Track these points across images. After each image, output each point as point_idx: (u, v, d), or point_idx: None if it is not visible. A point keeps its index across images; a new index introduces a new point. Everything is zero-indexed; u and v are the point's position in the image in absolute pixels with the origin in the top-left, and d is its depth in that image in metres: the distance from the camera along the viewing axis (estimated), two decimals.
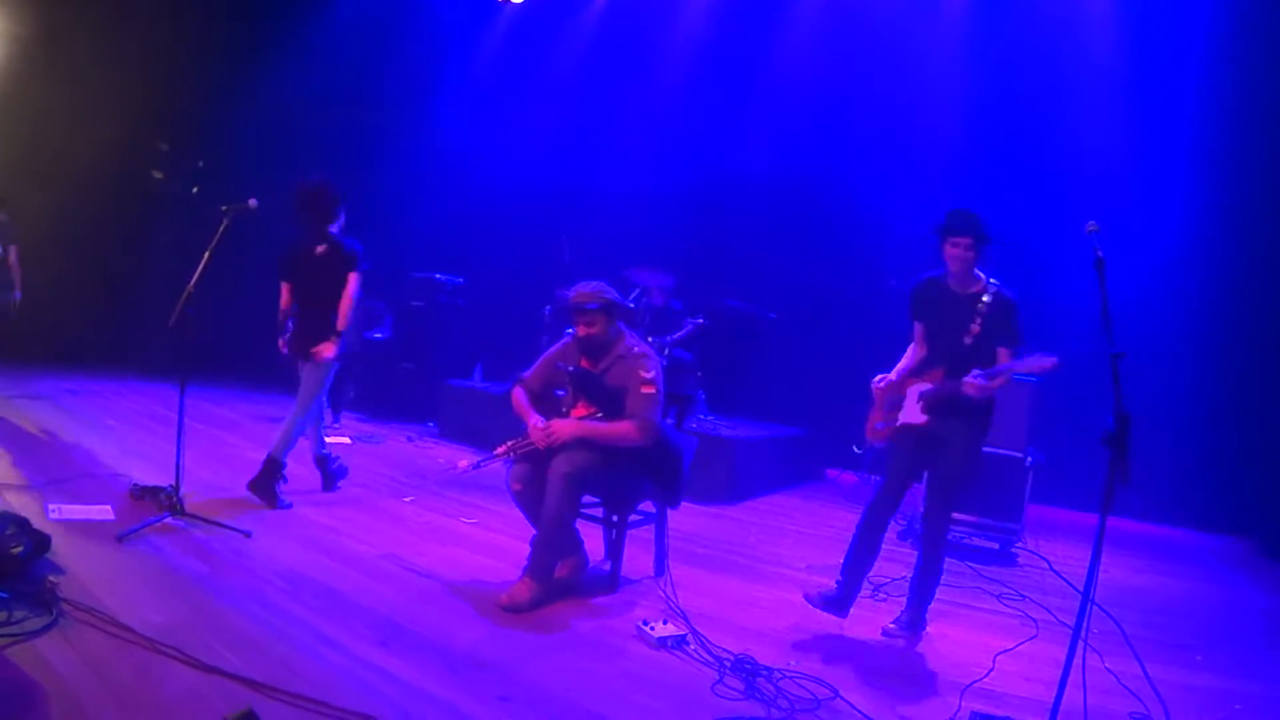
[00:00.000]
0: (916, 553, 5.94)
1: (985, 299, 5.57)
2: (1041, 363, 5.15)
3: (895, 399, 5.89)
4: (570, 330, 6.46)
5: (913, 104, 11.72)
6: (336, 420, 11.88)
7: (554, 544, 5.88)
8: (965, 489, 6.04)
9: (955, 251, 5.59)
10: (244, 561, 6.02)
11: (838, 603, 5.86)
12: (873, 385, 5.99)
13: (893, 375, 5.97)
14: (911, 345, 6.11)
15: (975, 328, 5.54)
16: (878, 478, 6.15)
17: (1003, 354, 5.53)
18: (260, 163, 13.80)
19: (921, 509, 6.31)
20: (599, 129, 14.06)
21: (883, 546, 5.94)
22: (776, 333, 11.91)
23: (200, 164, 15.62)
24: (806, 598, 5.98)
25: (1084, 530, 9.18)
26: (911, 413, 5.77)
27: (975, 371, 5.32)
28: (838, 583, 5.91)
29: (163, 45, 14.17)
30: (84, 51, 13.39)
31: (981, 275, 5.69)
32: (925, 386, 5.72)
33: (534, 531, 6.01)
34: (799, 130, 12.27)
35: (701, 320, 10.88)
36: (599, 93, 14.17)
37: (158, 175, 15.62)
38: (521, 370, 6.54)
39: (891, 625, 5.84)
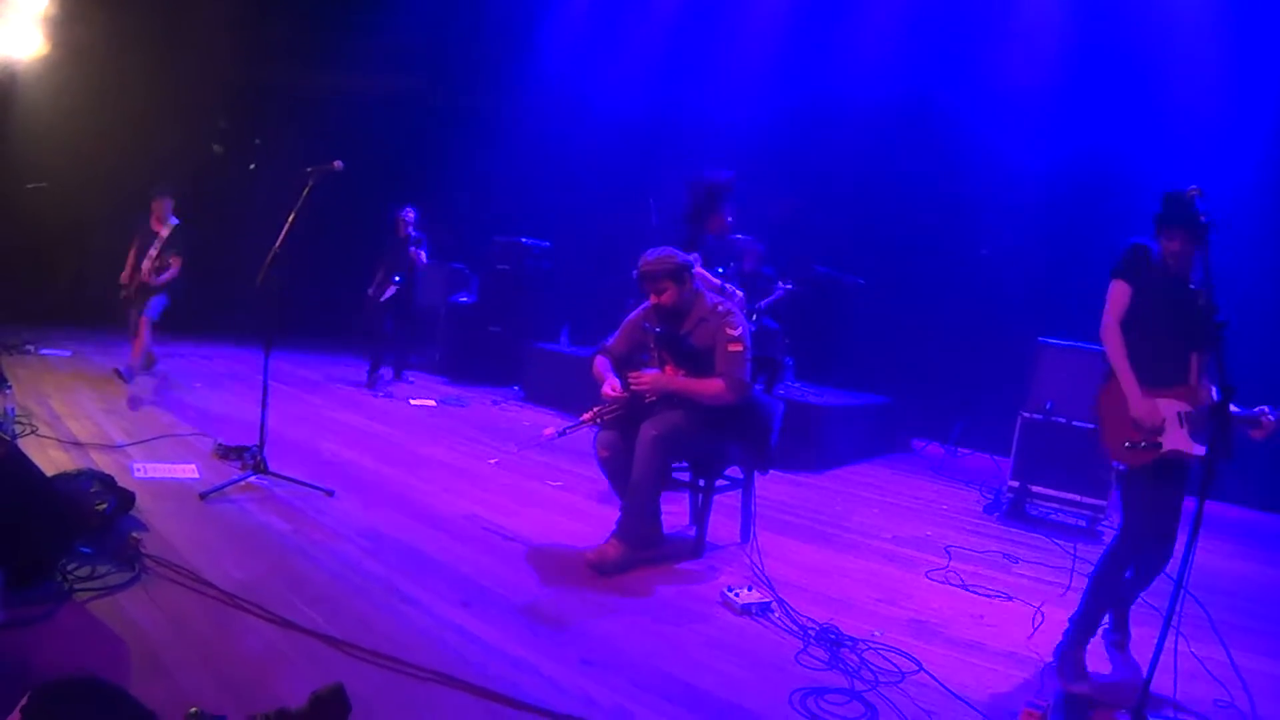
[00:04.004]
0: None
1: (1202, 300, 4.51)
2: None
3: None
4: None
5: (1008, 65, 11.43)
6: (398, 381, 11.97)
7: (642, 507, 5.81)
8: None
9: (1171, 247, 4.77)
10: (326, 520, 6.04)
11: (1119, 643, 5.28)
12: (1147, 419, 4.72)
13: (1148, 401, 4.75)
14: (1112, 322, 4.91)
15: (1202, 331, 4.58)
16: (1119, 518, 5.28)
17: (1196, 361, 4.75)
18: (340, 131, 13.87)
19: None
20: (686, 92, 13.94)
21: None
22: (865, 300, 11.72)
23: (257, 141, 15.71)
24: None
25: None
26: (1179, 438, 4.70)
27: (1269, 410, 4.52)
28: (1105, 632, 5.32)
29: (230, 13, 14.28)
30: (148, 27, 13.52)
31: None
32: (1182, 406, 4.73)
33: (620, 499, 5.97)
34: (890, 92, 12.02)
35: (790, 286, 10.76)
36: (686, 53, 14.06)
37: (217, 149, 15.74)
38: (605, 337, 6.47)
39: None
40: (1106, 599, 4.95)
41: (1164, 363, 4.83)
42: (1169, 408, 4.74)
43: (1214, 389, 4.61)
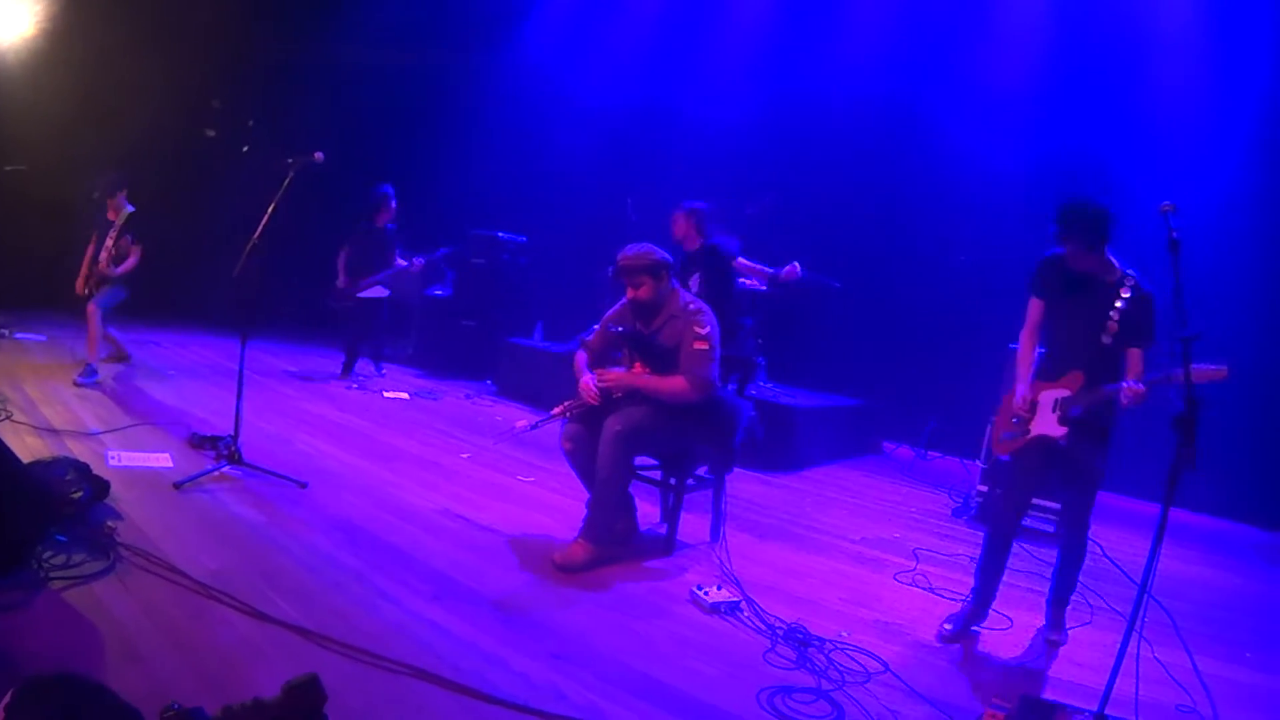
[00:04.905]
0: (1055, 560, 5.57)
1: (1123, 292, 4.99)
2: (1211, 373, 4.40)
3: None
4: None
5: (987, 68, 11.46)
6: (380, 372, 11.92)
7: (607, 504, 5.85)
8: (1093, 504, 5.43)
9: (1071, 252, 5.10)
10: (299, 512, 6.07)
11: (970, 617, 5.43)
12: (1018, 407, 5.32)
13: (1026, 390, 5.31)
14: (1024, 332, 5.51)
15: (1113, 325, 4.98)
16: (998, 490, 5.62)
17: (1134, 356, 4.99)
18: (318, 118, 13.88)
19: (1056, 528, 6.05)
20: (667, 90, 13.90)
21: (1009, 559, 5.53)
22: (840, 302, 11.76)
23: (251, 123, 15.65)
24: (944, 638, 5.32)
25: (1137, 517, 9.01)
26: (1047, 423, 5.20)
27: (1132, 380, 4.80)
28: (966, 602, 5.54)
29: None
30: (138, 7, 13.47)
31: (1114, 261, 5.09)
32: (1062, 393, 5.14)
33: (587, 492, 6.01)
34: (869, 93, 12.02)
35: (764, 287, 10.79)
36: (668, 51, 14.00)
37: (210, 133, 15.69)
38: (582, 332, 6.53)
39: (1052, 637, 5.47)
40: (984, 574, 5.43)
41: (1059, 356, 5.29)
42: (1049, 396, 5.20)
43: (1179, 401, 4.73)
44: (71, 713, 2.83)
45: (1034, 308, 5.46)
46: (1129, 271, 5.05)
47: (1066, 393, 5.11)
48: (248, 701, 3.04)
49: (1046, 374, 5.31)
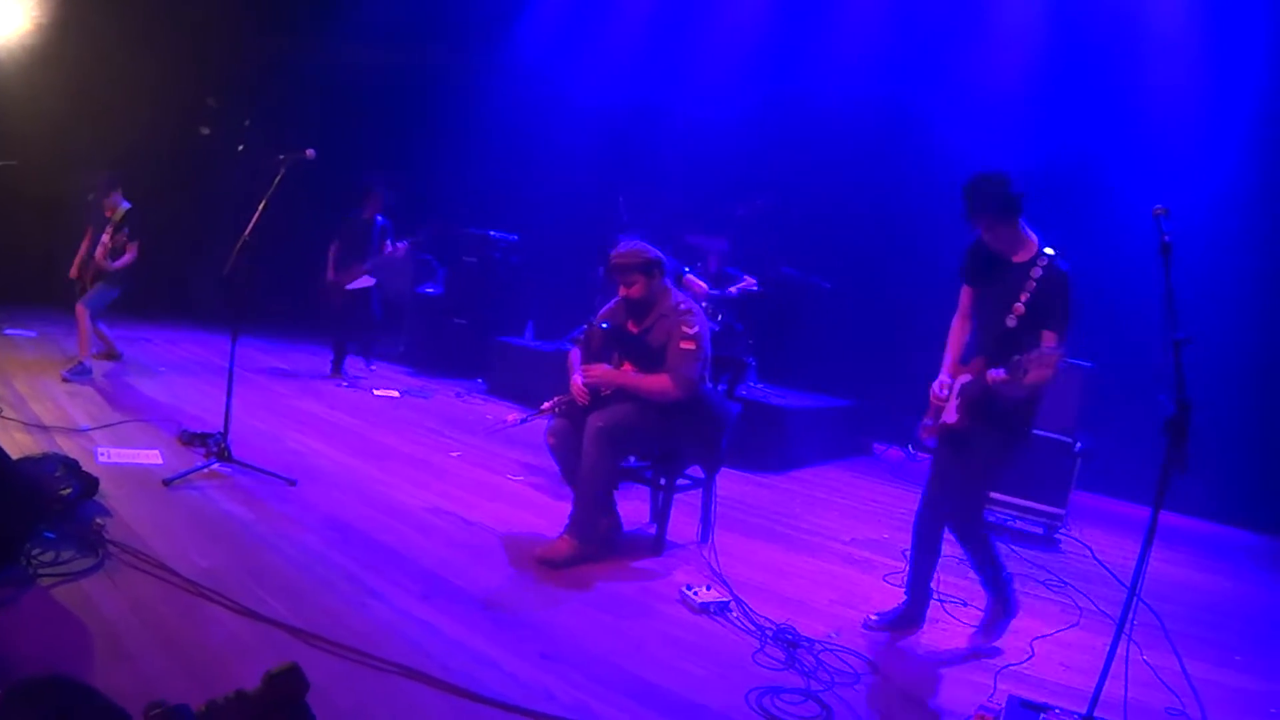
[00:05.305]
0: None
1: (1034, 273, 4.80)
2: (997, 378, 4.61)
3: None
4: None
5: (981, 69, 11.47)
6: (370, 367, 11.88)
7: (591, 500, 5.85)
8: (980, 495, 5.36)
9: (981, 229, 4.97)
10: (289, 509, 6.06)
11: (907, 618, 5.44)
12: (933, 394, 5.21)
13: (946, 376, 5.21)
14: (955, 317, 5.39)
15: (1020, 307, 4.80)
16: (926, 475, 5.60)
17: (1047, 339, 4.71)
18: (312, 117, 13.87)
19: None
20: (659, 90, 13.89)
21: (942, 547, 5.46)
22: (830, 303, 11.77)
23: (247, 123, 15.62)
24: (868, 626, 5.39)
25: (1127, 519, 9.05)
26: (950, 409, 5.12)
27: (999, 368, 4.66)
28: (904, 599, 5.52)
29: None
30: (133, 5, 13.44)
31: (1033, 238, 4.93)
32: (966, 379, 5.05)
33: (568, 486, 6.04)
34: (862, 94, 12.02)
35: (755, 284, 10.78)
36: (660, 51, 13.98)
37: (204, 131, 15.66)
38: (575, 331, 6.55)
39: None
40: (914, 572, 5.49)
41: (973, 342, 5.23)
42: (960, 383, 5.10)
43: (1170, 404, 4.73)
44: (61, 714, 2.82)
45: (964, 294, 5.38)
46: (1045, 250, 4.88)
47: (969, 378, 5.05)
48: (230, 694, 3.04)
49: (964, 359, 5.23)
